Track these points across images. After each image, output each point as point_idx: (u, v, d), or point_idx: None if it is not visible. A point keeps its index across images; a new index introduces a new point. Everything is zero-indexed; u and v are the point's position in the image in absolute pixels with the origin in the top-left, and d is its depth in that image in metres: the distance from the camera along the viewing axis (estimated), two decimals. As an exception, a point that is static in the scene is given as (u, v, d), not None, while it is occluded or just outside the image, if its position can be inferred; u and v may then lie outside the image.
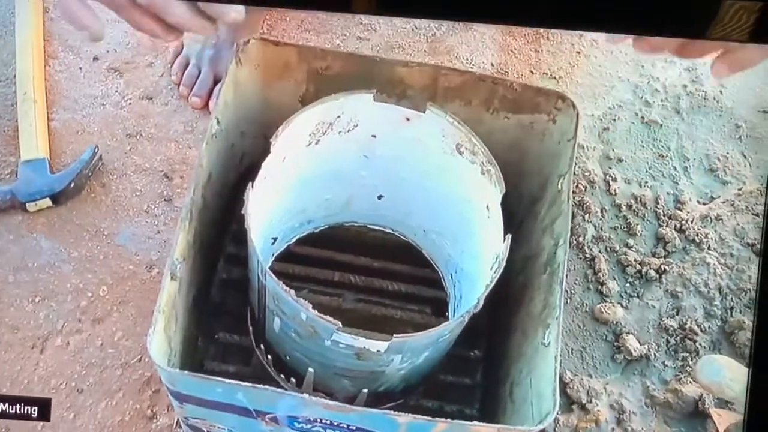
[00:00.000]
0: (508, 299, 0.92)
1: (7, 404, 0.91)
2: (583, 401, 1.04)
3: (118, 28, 1.29)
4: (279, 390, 0.69)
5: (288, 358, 0.86)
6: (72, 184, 1.12)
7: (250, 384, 0.68)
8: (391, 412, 0.69)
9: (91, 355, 1.03)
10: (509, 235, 0.77)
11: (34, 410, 0.92)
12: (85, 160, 1.13)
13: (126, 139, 1.20)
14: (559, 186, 0.84)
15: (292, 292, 0.71)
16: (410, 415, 0.68)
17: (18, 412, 0.91)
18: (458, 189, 0.88)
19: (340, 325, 0.70)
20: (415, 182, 0.92)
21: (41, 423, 0.98)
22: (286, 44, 0.88)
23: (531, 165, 0.92)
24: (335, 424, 0.72)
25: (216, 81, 1.23)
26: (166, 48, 1.28)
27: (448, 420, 0.69)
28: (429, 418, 0.68)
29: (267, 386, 0.69)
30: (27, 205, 1.11)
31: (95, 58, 1.28)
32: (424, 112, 0.84)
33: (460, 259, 0.94)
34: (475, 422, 0.70)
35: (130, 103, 1.23)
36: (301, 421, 0.73)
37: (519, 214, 0.93)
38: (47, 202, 1.12)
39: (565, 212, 0.82)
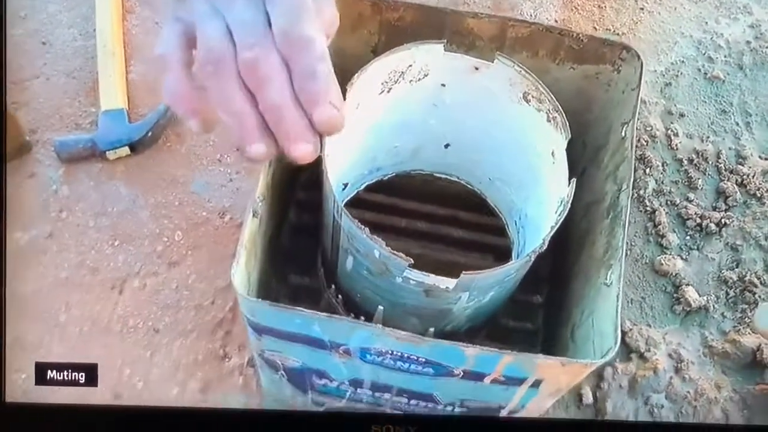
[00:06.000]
0: (571, 245, 0.95)
1: (54, 371, 0.94)
2: (642, 350, 1.07)
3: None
4: (354, 321, 0.72)
5: (359, 297, 0.89)
6: (149, 134, 1.16)
7: (326, 315, 0.71)
8: (461, 343, 0.71)
9: (166, 297, 1.08)
10: (574, 179, 0.78)
11: (81, 376, 0.95)
12: (162, 111, 1.17)
13: (201, 90, 1.23)
14: (623, 133, 0.86)
15: (367, 230, 0.74)
16: (478, 347, 0.70)
17: (65, 378, 0.94)
18: (524, 136, 0.90)
19: (412, 262, 0.73)
20: (482, 130, 0.94)
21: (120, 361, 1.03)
22: (361, -3, 0.90)
23: (595, 114, 0.93)
24: (405, 356, 0.74)
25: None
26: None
27: (514, 353, 0.71)
28: (496, 350, 0.70)
29: (343, 317, 0.72)
30: (107, 153, 1.16)
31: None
32: (492, 62, 0.86)
33: (524, 206, 0.96)
34: (540, 355, 0.72)
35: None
36: (373, 353, 0.75)
37: (582, 162, 0.94)
38: (126, 150, 1.16)
39: (628, 158, 0.83)
